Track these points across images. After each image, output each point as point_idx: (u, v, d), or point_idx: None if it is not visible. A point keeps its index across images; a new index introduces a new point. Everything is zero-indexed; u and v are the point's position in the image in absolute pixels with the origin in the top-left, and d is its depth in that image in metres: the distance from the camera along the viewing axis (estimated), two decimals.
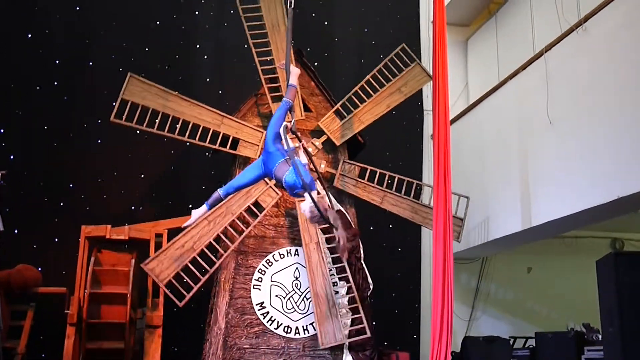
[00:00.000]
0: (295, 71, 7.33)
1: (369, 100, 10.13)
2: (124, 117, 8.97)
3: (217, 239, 9.10)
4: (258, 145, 9.57)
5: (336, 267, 9.47)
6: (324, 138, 9.92)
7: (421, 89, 12.71)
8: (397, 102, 10.35)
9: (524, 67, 10.32)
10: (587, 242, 12.18)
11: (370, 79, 10.19)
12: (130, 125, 9.01)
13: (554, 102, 9.32)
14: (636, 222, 10.74)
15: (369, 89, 10.16)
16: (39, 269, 9.99)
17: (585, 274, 9.45)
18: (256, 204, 9.36)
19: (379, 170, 9.98)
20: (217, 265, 9.00)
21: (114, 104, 9.02)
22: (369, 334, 9.21)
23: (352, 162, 10.10)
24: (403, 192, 9.97)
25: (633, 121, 7.92)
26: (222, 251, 9.08)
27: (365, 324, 9.20)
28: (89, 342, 8.75)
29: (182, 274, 8.74)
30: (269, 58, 9.72)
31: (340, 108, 10.04)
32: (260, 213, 9.33)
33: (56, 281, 10.01)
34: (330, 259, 9.51)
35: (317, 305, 9.16)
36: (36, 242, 10.53)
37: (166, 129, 9.12)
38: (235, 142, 9.59)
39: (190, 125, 9.26)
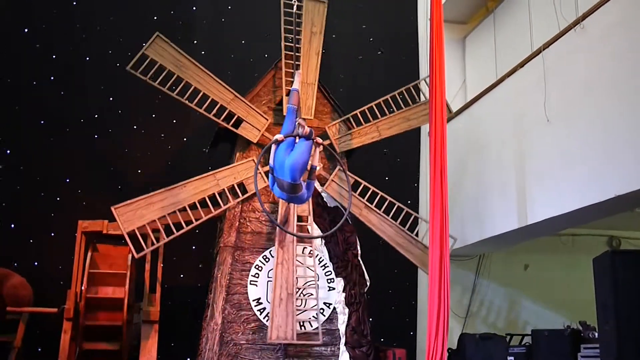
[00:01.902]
0: (299, 77, 7.57)
1: (382, 119, 10.44)
2: (139, 70, 9.16)
3: (194, 207, 9.17)
4: (260, 131, 9.69)
5: (333, 264, 9.48)
6: (326, 142, 9.93)
7: (419, 90, 12.84)
8: (409, 128, 10.68)
9: (521, 65, 10.30)
10: (584, 240, 12.18)
11: (389, 98, 10.51)
12: (143, 78, 9.17)
13: (552, 100, 9.31)
14: (633, 220, 10.73)
15: (384, 106, 10.47)
16: (35, 263, 10.01)
17: (581, 272, 9.47)
18: (241, 186, 9.51)
19: (372, 188, 10.07)
20: (183, 231, 9.00)
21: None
22: (320, 342, 9.24)
23: (348, 173, 10.09)
24: (399, 221, 10.07)
25: (630, 119, 7.91)
26: (194, 220, 9.11)
27: (319, 331, 9.26)
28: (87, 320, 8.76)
29: (148, 229, 8.80)
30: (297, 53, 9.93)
31: (350, 118, 10.27)
32: (243, 195, 9.48)
33: (52, 276, 10.01)
34: (327, 256, 9.51)
35: (276, 298, 9.16)
36: (33, 237, 10.54)
37: (176, 91, 9.30)
38: (238, 123, 9.67)
39: (200, 94, 9.39)
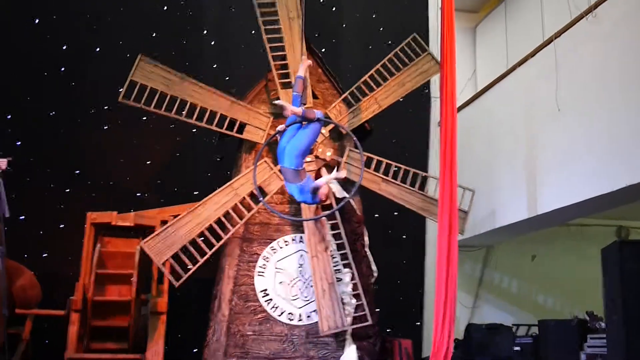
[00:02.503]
0: (305, 63, 7.51)
1: (378, 90, 10.10)
2: (132, 98, 9.00)
3: (220, 222, 9.10)
4: (264, 130, 9.59)
5: (340, 254, 9.47)
6: (331, 126, 9.88)
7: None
8: (406, 92, 10.33)
9: (532, 54, 10.23)
10: (592, 230, 12.10)
11: (380, 68, 10.16)
12: (137, 106, 9.04)
13: (563, 90, 9.24)
14: None
15: (378, 78, 10.13)
16: (44, 254, 10.10)
17: (589, 262, 9.42)
18: (259, 189, 9.35)
19: (385, 161, 9.92)
20: (215, 248, 9.01)
21: (121, 89, 9.03)
22: (370, 322, 9.23)
23: (358, 151, 10.05)
24: (408, 182, 9.92)
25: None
26: (222, 235, 9.08)
27: (367, 311, 9.21)
28: (94, 321, 8.81)
29: (181, 255, 8.77)
30: (279, 43, 9.69)
31: (348, 96, 10.00)
32: (264, 198, 9.33)
33: (62, 267, 10.11)
34: (335, 246, 9.51)
35: (319, 291, 9.20)
36: (42, 228, 10.62)
37: (173, 111, 9.13)
38: (242, 127, 9.58)
39: (198, 109, 9.28)
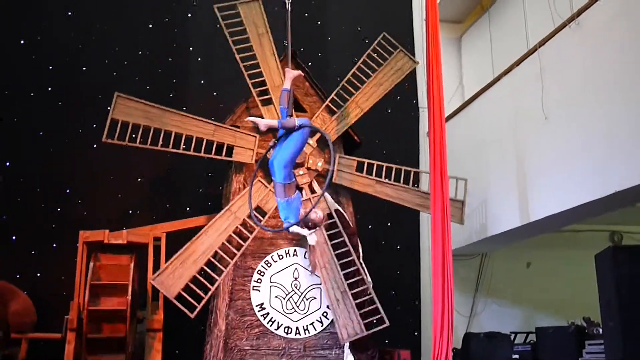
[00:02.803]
0: (289, 75, 7.47)
1: (357, 93, 10.11)
2: (115, 136, 8.90)
3: (224, 247, 9.07)
4: (252, 150, 9.56)
5: (340, 264, 9.47)
6: (318, 136, 9.91)
7: (416, 86, 12.83)
8: (385, 91, 10.33)
9: (518, 63, 10.33)
10: (585, 235, 12.17)
11: (357, 72, 10.20)
12: (123, 144, 8.96)
13: (549, 97, 9.33)
14: (635, 215, 10.75)
15: (356, 82, 10.15)
16: (38, 274, 10.01)
17: (584, 268, 9.45)
18: (258, 209, 9.35)
19: (375, 163, 9.99)
20: (225, 273, 9.00)
21: (109, 108, 8.99)
22: (387, 323, 9.24)
23: (348, 157, 10.08)
24: (402, 181, 9.99)
25: (628, 114, 7.93)
26: (228, 259, 9.04)
27: (382, 313, 9.25)
28: (90, 333, 8.71)
29: (190, 285, 8.73)
30: (253, 61, 9.71)
31: (330, 104, 10.04)
32: (264, 217, 9.33)
33: (55, 287, 10.00)
34: (335, 257, 9.51)
35: (332, 300, 9.23)
36: (34, 249, 10.48)
37: (159, 143, 9.07)
38: (230, 148, 9.54)
39: (183, 137, 9.24)
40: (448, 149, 9.02)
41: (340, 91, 10.08)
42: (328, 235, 9.55)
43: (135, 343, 9.12)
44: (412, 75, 13.00)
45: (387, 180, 9.97)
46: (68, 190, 10.89)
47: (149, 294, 9.29)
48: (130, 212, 11.03)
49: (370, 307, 9.28)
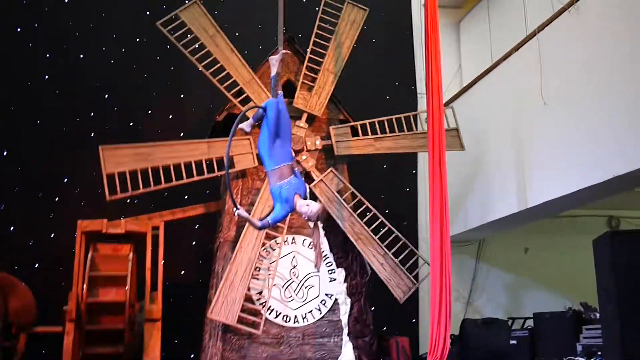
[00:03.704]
0: (273, 61, 7.13)
1: (324, 61, 10.17)
2: (117, 190, 8.89)
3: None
4: (251, 152, 9.55)
5: (333, 255, 9.49)
6: (327, 142, 9.97)
7: (414, 72, 12.77)
8: (349, 50, 10.41)
9: (516, 49, 10.29)
10: (583, 221, 12.18)
11: (317, 40, 10.26)
12: (127, 195, 9.01)
13: (548, 83, 9.30)
14: (632, 200, 10.76)
15: (320, 50, 10.24)
16: (36, 265, 10.02)
17: (582, 253, 9.46)
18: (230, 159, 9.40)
19: (367, 122, 10.15)
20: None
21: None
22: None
23: (339, 126, 10.13)
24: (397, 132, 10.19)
25: (627, 100, 7.91)
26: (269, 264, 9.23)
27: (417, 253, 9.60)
28: (88, 326, 8.74)
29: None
30: (217, 65, 9.73)
31: (305, 82, 10.08)
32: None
33: (53, 277, 10.00)
34: (327, 246, 9.52)
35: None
36: (32, 239, 10.49)
37: (162, 182, 9.08)
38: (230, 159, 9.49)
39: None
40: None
41: (310, 65, 10.15)
42: (351, 206, 9.77)
43: (134, 334, 9.14)
44: (411, 60, 12.99)
45: (384, 135, 10.13)
46: (66, 180, 10.87)
47: (148, 283, 9.28)
48: (129, 201, 10.96)
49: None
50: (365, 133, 10.09)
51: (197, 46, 9.57)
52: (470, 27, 13.66)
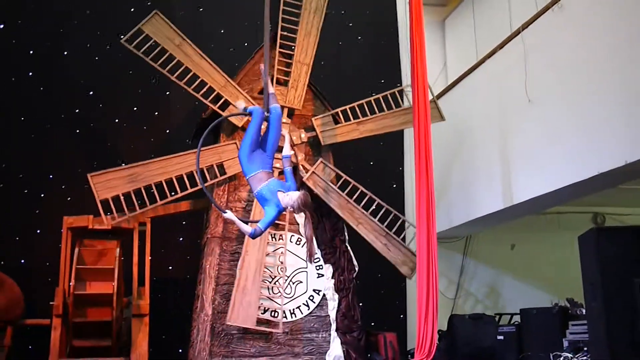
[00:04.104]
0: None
1: (371, 117, 10.31)
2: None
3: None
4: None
5: (321, 250, 9.51)
6: (312, 134, 10.05)
7: (400, 69, 12.80)
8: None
9: (501, 46, 10.36)
10: (568, 217, 12.31)
11: (282, 33, 10.22)
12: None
13: (532, 81, 9.38)
14: (617, 197, 10.86)
15: (289, 43, 10.30)
16: (22, 261, 9.95)
17: (568, 250, 9.54)
18: (220, 166, 9.54)
19: (347, 107, 10.21)
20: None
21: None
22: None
23: (321, 115, 10.18)
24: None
25: (611, 97, 7.99)
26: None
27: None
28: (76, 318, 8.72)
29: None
30: (189, 74, 9.69)
31: (278, 77, 10.08)
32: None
33: (39, 273, 9.94)
34: (315, 242, 9.53)
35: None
36: (18, 235, 10.40)
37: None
38: (220, 166, 9.59)
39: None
40: (432, 131, 9.07)
41: (281, 59, 10.21)
42: (347, 193, 9.87)
43: (121, 328, 9.11)
44: (396, 58, 13.03)
45: (366, 118, 10.19)
46: (51, 176, 10.78)
47: (135, 279, 9.25)
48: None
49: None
50: (347, 119, 10.15)
51: (166, 57, 9.45)
52: (455, 25, 13.73)
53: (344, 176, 10.06)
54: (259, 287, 9.13)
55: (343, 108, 10.22)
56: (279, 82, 10.03)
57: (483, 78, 10.99)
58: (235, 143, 9.54)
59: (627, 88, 7.74)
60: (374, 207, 10.00)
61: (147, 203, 9.08)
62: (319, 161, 10.00)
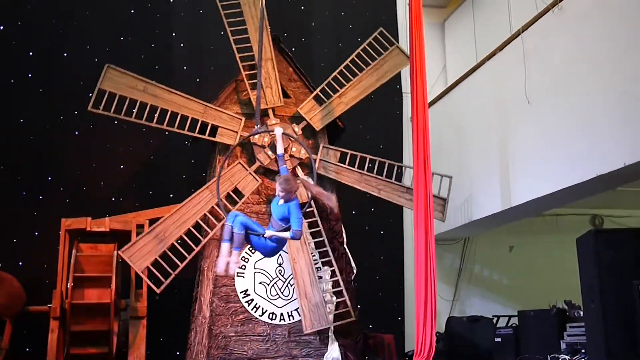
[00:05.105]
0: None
1: (348, 85, 10.16)
2: (101, 106, 8.94)
3: (198, 226, 9.06)
4: (237, 132, 9.56)
5: (319, 252, 9.50)
6: (303, 124, 9.92)
7: (399, 71, 12.77)
8: (376, 86, 10.41)
9: (501, 48, 10.35)
10: (567, 219, 12.29)
11: (349, 63, 10.24)
12: (107, 114, 8.99)
13: (532, 82, 9.36)
14: (615, 199, 10.85)
15: (347, 73, 10.20)
16: (20, 263, 9.96)
17: (566, 252, 9.53)
18: (236, 190, 9.36)
19: (359, 154, 10.00)
20: (195, 252, 8.98)
21: (91, 94, 8.95)
22: (354, 317, 9.28)
23: (332, 147, 10.10)
24: (384, 174, 9.97)
25: (610, 99, 7.98)
26: (201, 238, 9.06)
27: (350, 307, 9.27)
28: (73, 325, 8.70)
29: (160, 261, 8.71)
30: (246, 45, 9.75)
31: (319, 93, 10.05)
32: (240, 200, 9.33)
33: (37, 275, 9.95)
34: (313, 244, 9.53)
35: (301, 290, 9.24)
36: (16, 237, 10.43)
37: (144, 118, 9.11)
38: (214, 129, 9.55)
39: (168, 114, 9.24)
40: (431, 134, 9.04)
41: (331, 81, 10.17)
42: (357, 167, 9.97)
43: (119, 332, 9.11)
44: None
45: (371, 175, 10.03)
46: (50, 178, 10.80)
47: (133, 281, 9.25)
48: (113, 199, 10.97)
49: (340, 299, 9.40)
50: (352, 163, 10.02)
51: (139, 105, 9.28)
52: (454, 27, 13.72)
53: (349, 152, 10.01)
54: (318, 286, 9.21)
55: (321, 87, 10.12)
56: (317, 98, 10.05)
57: (482, 80, 10.98)
58: (240, 163, 9.53)
59: (626, 90, 7.73)
60: (386, 171, 10.03)
61: (133, 117, 9.11)
62: (320, 147, 9.98)
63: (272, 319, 9.29)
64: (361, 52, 10.30)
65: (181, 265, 8.77)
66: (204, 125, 9.48)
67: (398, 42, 12.72)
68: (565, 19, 8.90)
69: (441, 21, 14.05)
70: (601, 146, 8.05)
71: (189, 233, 8.96)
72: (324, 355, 9.22)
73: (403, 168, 10.39)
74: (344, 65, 10.20)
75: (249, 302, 9.27)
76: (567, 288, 9.67)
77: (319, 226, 9.54)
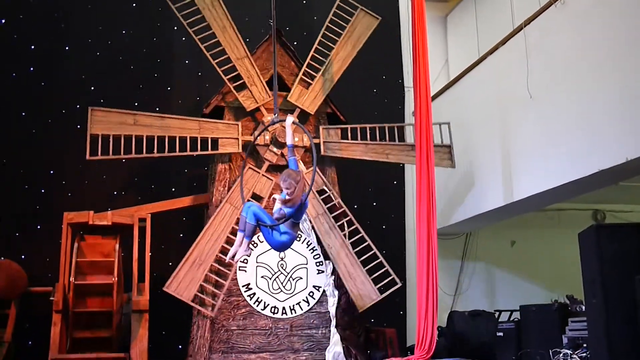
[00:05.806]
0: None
1: (327, 61, 10.23)
2: (99, 153, 8.93)
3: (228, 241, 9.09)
4: (237, 139, 9.58)
5: (321, 247, 9.51)
6: (297, 112, 9.92)
7: (402, 66, 12.79)
8: (354, 54, 10.49)
9: (503, 42, 10.33)
10: (569, 214, 12.29)
11: (322, 39, 10.31)
12: (107, 158, 9.02)
13: (534, 77, 9.35)
14: (617, 194, 10.84)
15: (325, 50, 10.28)
16: (22, 256, 9.98)
17: (568, 246, 9.52)
18: (255, 195, 9.44)
19: (358, 126, 10.25)
20: (234, 268, 9.12)
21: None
22: (399, 284, 9.63)
23: (330, 126, 10.12)
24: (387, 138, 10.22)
25: (612, 94, 7.97)
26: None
27: (393, 275, 9.66)
28: (76, 332, 8.73)
29: (205, 285, 8.91)
30: (223, 57, 9.81)
31: (304, 77, 10.11)
32: (262, 202, 9.36)
33: (40, 269, 9.97)
34: (315, 239, 9.54)
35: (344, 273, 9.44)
36: (18, 230, 10.44)
37: (144, 150, 9.12)
38: (215, 141, 9.59)
39: (166, 140, 9.29)
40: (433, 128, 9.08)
41: (312, 62, 10.23)
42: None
43: (121, 321, 9.12)
44: (398, 54, 13.01)
45: (375, 142, 10.18)
46: (52, 172, 10.81)
47: (135, 274, 9.26)
48: (115, 193, 10.98)
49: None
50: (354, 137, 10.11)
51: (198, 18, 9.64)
52: (457, 21, 13.69)
53: (348, 126, 10.18)
54: (358, 263, 9.54)
55: (302, 70, 10.18)
56: (241, 88, 9.88)
57: (485, 74, 10.95)
58: (250, 168, 9.64)
59: (628, 84, 7.72)
60: (387, 135, 10.21)
61: (133, 153, 9.16)
62: (321, 129, 10.03)
63: (274, 313, 9.31)
64: (330, 25, 10.37)
65: (226, 284, 8.96)
66: (205, 141, 9.52)
67: (400, 36, 12.78)
68: (567, 13, 8.88)
69: (443, 15, 14.01)
70: (604, 141, 8.04)
71: (222, 250, 9.02)
72: (325, 349, 9.24)
73: (404, 127, 10.54)
74: (318, 42, 10.28)
75: (251, 296, 9.29)
76: (569, 283, 9.68)
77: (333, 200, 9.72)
